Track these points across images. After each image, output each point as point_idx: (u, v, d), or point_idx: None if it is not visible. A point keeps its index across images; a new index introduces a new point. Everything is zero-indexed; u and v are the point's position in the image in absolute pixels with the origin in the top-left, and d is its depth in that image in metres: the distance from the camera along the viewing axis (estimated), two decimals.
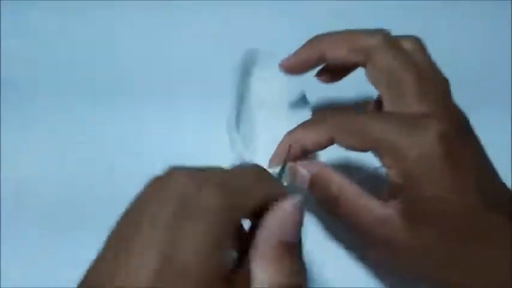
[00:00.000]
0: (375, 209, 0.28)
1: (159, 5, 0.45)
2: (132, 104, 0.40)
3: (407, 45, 0.31)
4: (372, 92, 0.31)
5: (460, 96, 0.40)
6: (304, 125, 0.31)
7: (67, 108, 0.40)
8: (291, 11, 0.45)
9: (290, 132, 0.31)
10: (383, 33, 0.31)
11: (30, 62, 0.43)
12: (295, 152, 0.31)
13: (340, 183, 0.30)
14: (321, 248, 0.34)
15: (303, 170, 0.30)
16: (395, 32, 0.44)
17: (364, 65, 0.31)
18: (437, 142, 0.27)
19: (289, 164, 0.31)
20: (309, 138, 0.30)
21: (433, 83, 0.30)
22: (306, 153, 0.31)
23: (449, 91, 0.31)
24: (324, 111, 0.32)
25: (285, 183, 0.31)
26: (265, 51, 0.36)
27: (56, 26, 0.44)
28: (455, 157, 0.27)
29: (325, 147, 0.30)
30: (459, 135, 0.28)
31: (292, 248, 0.21)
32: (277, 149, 0.32)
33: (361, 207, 0.29)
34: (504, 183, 0.29)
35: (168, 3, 0.45)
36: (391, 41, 0.30)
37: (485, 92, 0.41)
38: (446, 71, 0.43)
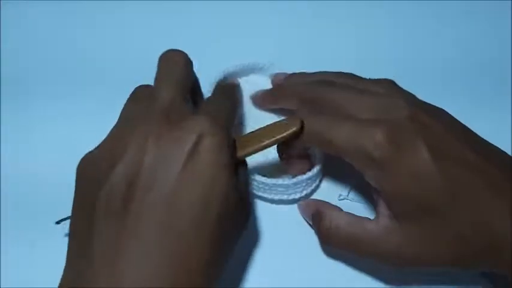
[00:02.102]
0: (368, 227, 0.31)
1: (158, 5, 0.45)
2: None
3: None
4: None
5: (460, 96, 0.41)
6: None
7: (67, 104, 0.41)
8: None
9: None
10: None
11: (30, 59, 0.43)
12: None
13: (331, 215, 0.33)
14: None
15: (307, 208, 0.35)
16: (394, 32, 0.44)
17: None
18: (385, 137, 0.29)
19: (301, 203, 0.36)
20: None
21: (358, 102, 0.32)
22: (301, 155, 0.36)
23: (383, 95, 0.32)
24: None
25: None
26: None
27: (55, 23, 0.44)
28: (402, 142, 0.29)
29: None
30: (403, 128, 0.29)
31: None
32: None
33: (354, 232, 0.31)
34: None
35: (169, 2, 0.45)
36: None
37: (485, 93, 0.41)
38: (446, 70, 0.43)
